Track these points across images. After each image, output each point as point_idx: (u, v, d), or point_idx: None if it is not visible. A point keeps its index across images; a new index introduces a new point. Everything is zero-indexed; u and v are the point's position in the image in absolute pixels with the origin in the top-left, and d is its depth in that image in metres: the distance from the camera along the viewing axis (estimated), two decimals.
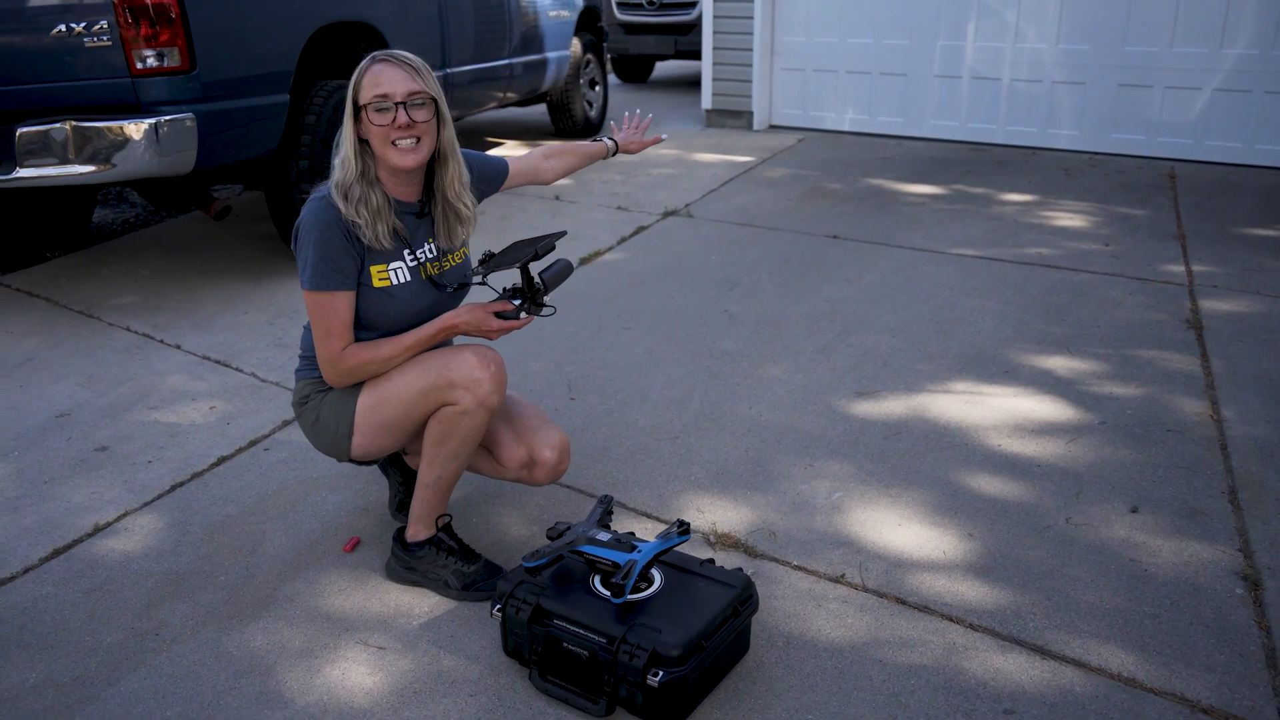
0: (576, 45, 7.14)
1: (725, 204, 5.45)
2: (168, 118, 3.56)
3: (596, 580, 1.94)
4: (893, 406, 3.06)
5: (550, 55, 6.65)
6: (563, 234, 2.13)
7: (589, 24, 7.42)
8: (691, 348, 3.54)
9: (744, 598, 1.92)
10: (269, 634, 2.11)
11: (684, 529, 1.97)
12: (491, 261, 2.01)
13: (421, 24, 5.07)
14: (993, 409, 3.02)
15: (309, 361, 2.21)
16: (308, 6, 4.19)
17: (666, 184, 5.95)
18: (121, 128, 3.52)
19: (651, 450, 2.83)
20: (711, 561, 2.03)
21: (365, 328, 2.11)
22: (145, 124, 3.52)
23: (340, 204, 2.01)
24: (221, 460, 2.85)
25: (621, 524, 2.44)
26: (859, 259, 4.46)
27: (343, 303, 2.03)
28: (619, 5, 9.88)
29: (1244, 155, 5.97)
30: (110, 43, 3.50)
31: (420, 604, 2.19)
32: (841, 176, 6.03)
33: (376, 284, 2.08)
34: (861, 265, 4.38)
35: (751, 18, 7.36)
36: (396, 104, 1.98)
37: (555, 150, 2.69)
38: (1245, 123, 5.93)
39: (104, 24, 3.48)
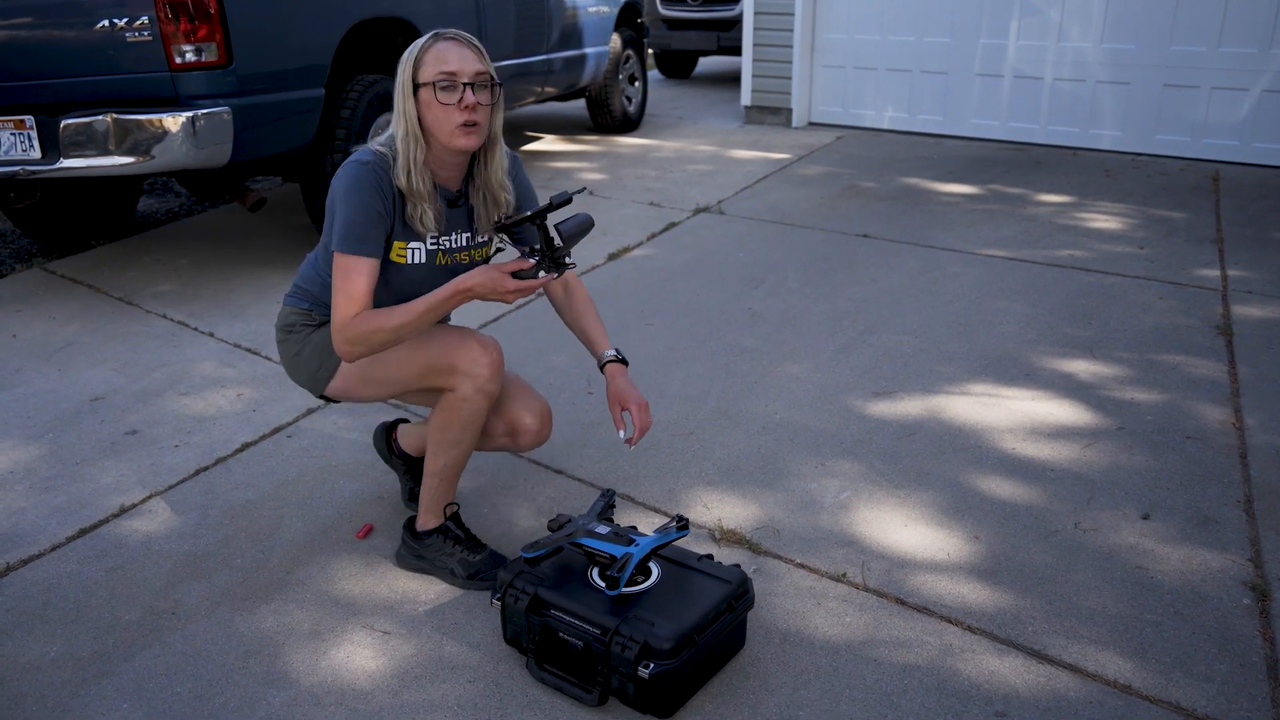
0: (616, 41, 7.16)
1: (758, 201, 5.45)
2: (205, 111, 3.65)
3: (594, 573, 1.98)
4: (909, 407, 3.06)
5: (589, 50, 6.68)
6: (582, 189, 2.10)
7: (629, 19, 7.44)
8: (712, 344, 3.56)
9: (739, 593, 1.94)
10: (279, 616, 2.17)
11: (683, 524, 2.00)
12: (507, 221, 2.02)
13: (459, 19, 5.12)
14: (1010, 412, 3.00)
15: (302, 293, 2.25)
16: (344, 2, 4.26)
17: (701, 180, 5.96)
18: (160, 120, 3.61)
19: (664, 446, 2.85)
20: (710, 557, 2.05)
21: (379, 297, 2.08)
22: (183, 117, 3.61)
23: (405, 178, 2.00)
24: (245, 446, 2.92)
25: (630, 518, 2.48)
26: (887, 258, 4.45)
27: (368, 269, 2.01)
28: (662, 1, 9.89)
29: None
30: (151, 38, 3.59)
31: (426, 591, 2.24)
32: (877, 175, 6.00)
33: (393, 257, 2.09)
34: (889, 265, 4.36)
35: (792, 14, 7.34)
36: (464, 84, 1.97)
37: (579, 303, 2.37)
38: None
39: (145, 19, 3.57)
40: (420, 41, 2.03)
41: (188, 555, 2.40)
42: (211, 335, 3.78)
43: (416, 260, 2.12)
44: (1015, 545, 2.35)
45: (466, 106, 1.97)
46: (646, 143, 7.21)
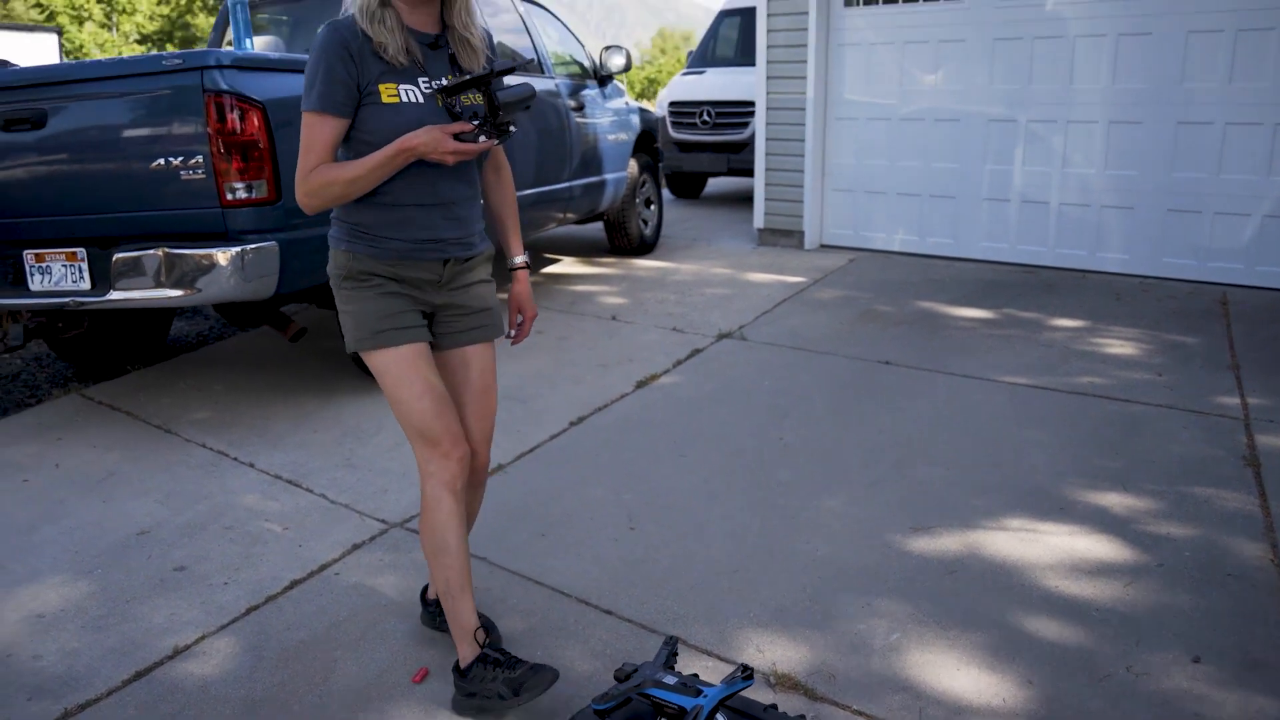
0: (633, 166, 7.40)
1: (778, 326, 5.57)
2: (253, 246, 3.78)
3: None
4: (948, 543, 3.09)
5: (609, 177, 6.90)
6: (528, 60, 2.21)
7: (645, 145, 7.70)
8: (748, 477, 3.61)
9: None
10: None
11: (748, 674, 2.02)
12: (451, 84, 2.13)
13: (488, 152, 5.31)
14: (1049, 548, 3.04)
15: (340, 226, 2.31)
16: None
17: (720, 304, 6.10)
18: (211, 255, 3.74)
19: (711, 585, 2.88)
20: (774, 707, 2.07)
21: (374, 144, 2.15)
22: (232, 251, 3.74)
23: (364, 22, 2.13)
24: (294, 584, 2.95)
25: (684, 662, 2.49)
26: (911, 386, 4.53)
27: (330, 126, 2.13)
28: (673, 124, 10.23)
29: None
30: (204, 175, 3.75)
31: None
32: (893, 299, 6.14)
33: (385, 100, 2.16)
34: (914, 393, 4.44)
35: (803, 140, 7.60)
36: None
37: (506, 192, 2.59)
38: None
39: (200, 158, 3.73)
40: None
41: (245, 701, 2.41)
42: (252, 466, 3.83)
43: (413, 99, 2.18)
44: (1069, 690, 2.37)
45: None
46: (664, 265, 7.38)
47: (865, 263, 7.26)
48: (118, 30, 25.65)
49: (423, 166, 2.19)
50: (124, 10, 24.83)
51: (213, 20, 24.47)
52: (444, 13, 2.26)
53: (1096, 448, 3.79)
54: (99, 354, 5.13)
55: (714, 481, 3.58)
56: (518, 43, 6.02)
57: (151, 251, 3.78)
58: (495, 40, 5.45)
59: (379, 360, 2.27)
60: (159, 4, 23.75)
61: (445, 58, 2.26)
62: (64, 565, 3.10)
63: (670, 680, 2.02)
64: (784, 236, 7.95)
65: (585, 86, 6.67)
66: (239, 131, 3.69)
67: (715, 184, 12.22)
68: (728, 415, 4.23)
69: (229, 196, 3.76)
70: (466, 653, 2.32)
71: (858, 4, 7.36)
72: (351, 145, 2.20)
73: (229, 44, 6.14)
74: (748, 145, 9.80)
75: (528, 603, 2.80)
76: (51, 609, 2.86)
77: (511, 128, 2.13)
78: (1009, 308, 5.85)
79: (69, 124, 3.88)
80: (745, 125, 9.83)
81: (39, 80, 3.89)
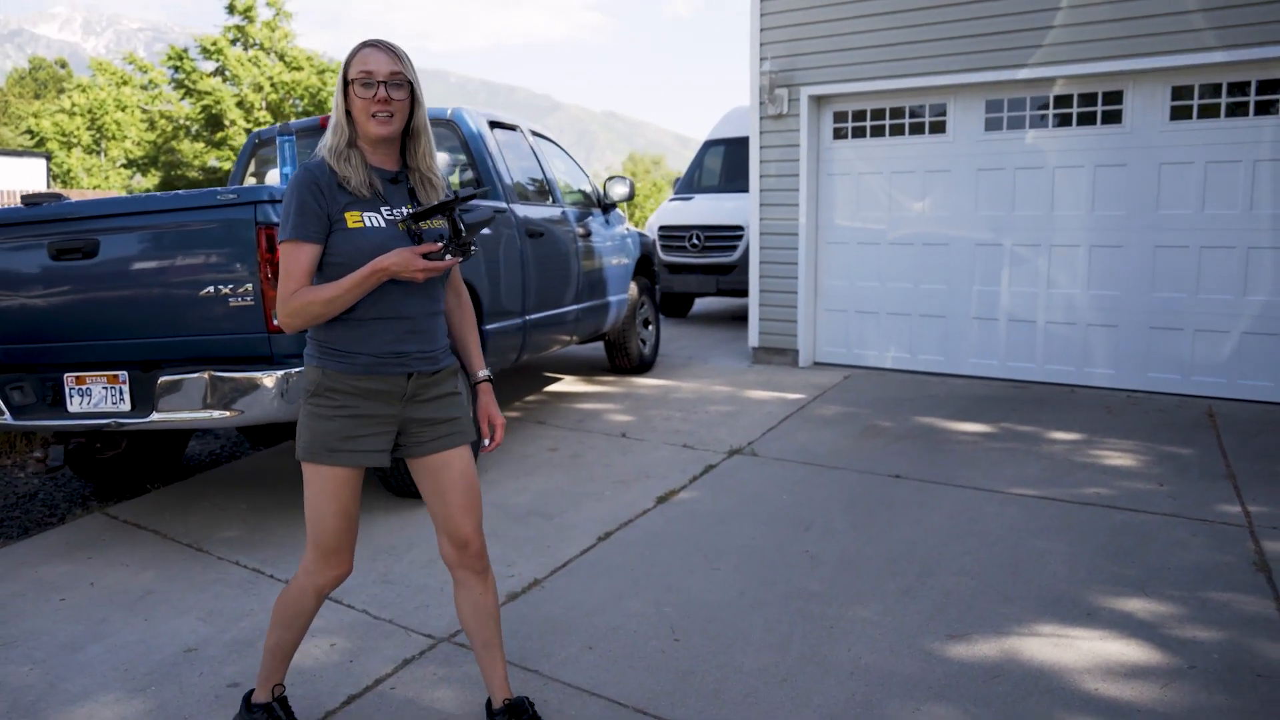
0: (633, 288, 7.65)
1: (785, 442, 5.73)
2: (297, 369, 3.91)
3: None
4: (985, 649, 3.19)
5: (612, 299, 7.14)
6: (485, 189, 2.39)
7: (644, 269, 7.98)
8: (780, 589, 3.71)
9: None
10: None
11: None
12: (419, 210, 2.37)
13: (509, 281, 5.53)
14: (1082, 652, 3.15)
15: (313, 345, 2.50)
16: None
17: (725, 421, 6.26)
18: (257, 378, 3.86)
19: (763, 694, 2.96)
20: None
21: (344, 265, 2.36)
22: (277, 374, 3.87)
23: (332, 161, 2.39)
24: (351, 699, 2.99)
25: None
26: (923, 499, 4.68)
27: (307, 253, 2.35)
28: (664, 247, 10.57)
29: (1277, 394, 6.27)
30: (253, 302, 3.90)
31: None
32: (892, 414, 6.33)
33: (350, 225, 2.38)
34: (927, 505, 4.58)
35: (796, 264, 7.92)
36: (379, 82, 2.37)
37: (465, 315, 2.77)
38: (1274, 364, 6.26)
39: (249, 286, 3.89)
40: (354, 48, 2.43)
41: None
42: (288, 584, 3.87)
43: (375, 224, 2.41)
44: None
45: (380, 100, 2.37)
46: (664, 383, 7.56)
47: (860, 380, 7.48)
48: (105, 155, 26.21)
49: (388, 286, 2.40)
50: (112, 136, 25.45)
51: (197, 146, 25.04)
52: (404, 154, 2.53)
53: (1112, 556, 3.93)
54: (118, 473, 5.18)
55: (749, 593, 3.68)
56: (531, 173, 6.31)
57: (197, 375, 3.90)
58: (507, 169, 5.72)
59: (317, 472, 2.48)
60: (146, 130, 24.36)
61: (405, 191, 2.52)
62: (115, 683, 3.12)
63: None
64: (778, 355, 8.18)
65: (591, 214, 6.96)
66: None
67: (701, 304, 12.54)
68: (751, 529, 4.34)
69: (275, 322, 3.90)
70: (262, 695, 2.70)
71: (846, 137, 7.78)
72: (323, 270, 2.41)
73: (252, 177, 6.40)
74: (736, 267, 10.16)
75: (586, 714, 2.86)
76: None
77: (473, 248, 2.40)
78: (1006, 422, 6.05)
79: (121, 253, 4.04)
80: (734, 248, 10.19)
81: (95, 213, 4.07)
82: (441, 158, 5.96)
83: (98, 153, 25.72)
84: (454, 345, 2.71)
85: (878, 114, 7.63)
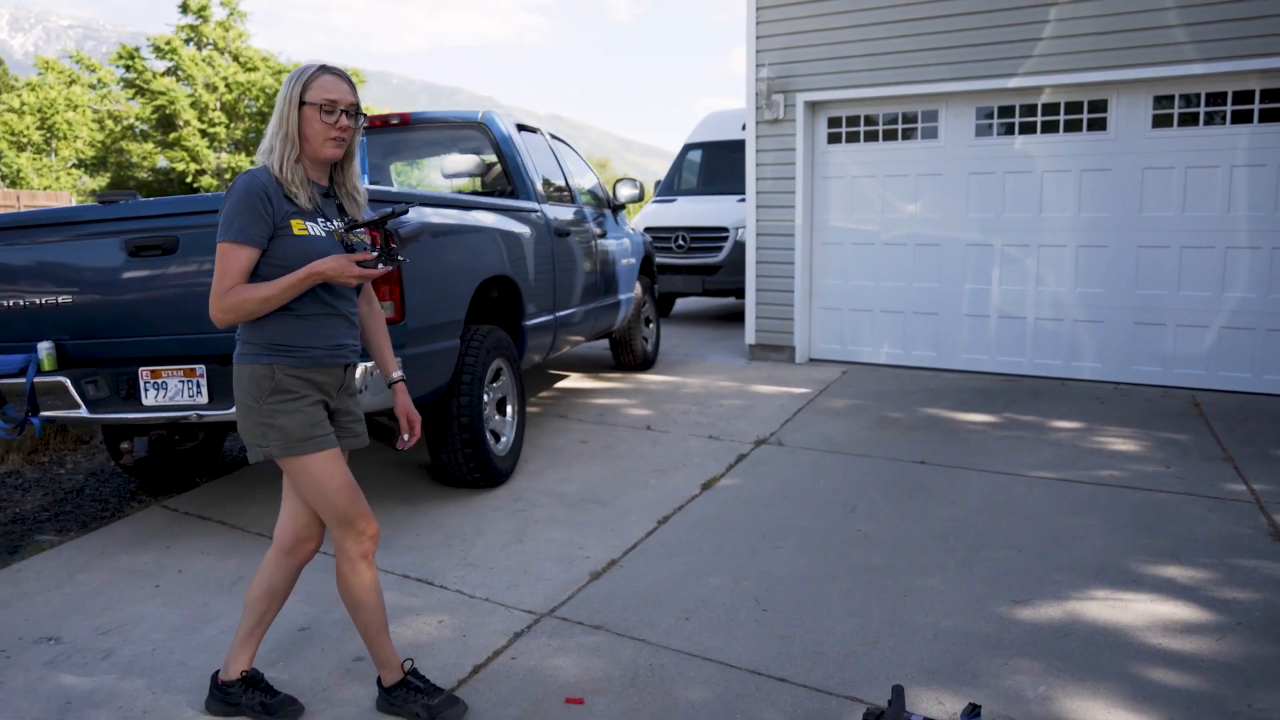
0: (638, 287, 7.88)
1: (806, 433, 6.00)
2: None
3: None
4: (1049, 612, 3.49)
5: (622, 297, 7.36)
6: (411, 204, 2.89)
7: (647, 268, 8.22)
8: (845, 564, 3.97)
9: None
10: None
11: (976, 710, 2.36)
12: (358, 222, 2.65)
13: (542, 279, 5.73)
14: (1138, 613, 3.46)
15: (252, 345, 2.64)
16: (476, 265, 4.82)
17: (741, 414, 6.51)
18: None
19: (860, 654, 3.21)
20: None
21: (286, 268, 2.55)
22: (362, 367, 4.02)
23: (279, 171, 2.56)
24: (477, 669, 3.18)
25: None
26: (953, 482, 4.98)
27: (245, 255, 2.52)
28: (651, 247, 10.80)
29: (1254, 385, 6.72)
30: None
31: None
32: (898, 406, 6.65)
33: (296, 232, 2.57)
34: (958, 488, 4.89)
35: (793, 263, 8.21)
36: (341, 110, 2.59)
37: (377, 322, 2.98)
38: (1252, 356, 6.71)
39: None
40: (309, 68, 2.62)
41: None
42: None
43: (316, 233, 2.61)
44: (1229, 716, 2.75)
45: (340, 127, 2.60)
46: (670, 379, 7.80)
47: (858, 374, 7.80)
48: (56, 155, 25.66)
49: (321, 286, 2.62)
50: (63, 136, 24.93)
51: (146, 146, 24.63)
52: (334, 173, 2.76)
53: (1140, 530, 4.26)
54: (162, 467, 5.27)
55: (817, 568, 3.93)
56: (553, 175, 6.51)
57: None
58: (536, 170, 5.90)
59: (305, 463, 2.64)
60: (97, 131, 23.92)
61: (334, 205, 2.75)
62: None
63: (917, 718, 2.34)
64: (774, 351, 8.47)
65: (604, 215, 7.17)
66: None
67: (682, 303, 12.79)
68: (799, 512, 4.60)
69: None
70: (390, 677, 2.88)
71: (841, 141, 8.10)
72: (260, 271, 2.58)
73: None
74: (722, 268, 10.44)
75: (704, 675, 3.09)
76: None
77: (401, 257, 2.64)
78: (1008, 412, 6.40)
79: (200, 249, 4.15)
80: (719, 249, 10.47)
81: (175, 210, 4.18)
82: (471, 159, 6.15)
83: (49, 153, 25.18)
84: (367, 348, 2.94)
85: (871, 119, 7.96)
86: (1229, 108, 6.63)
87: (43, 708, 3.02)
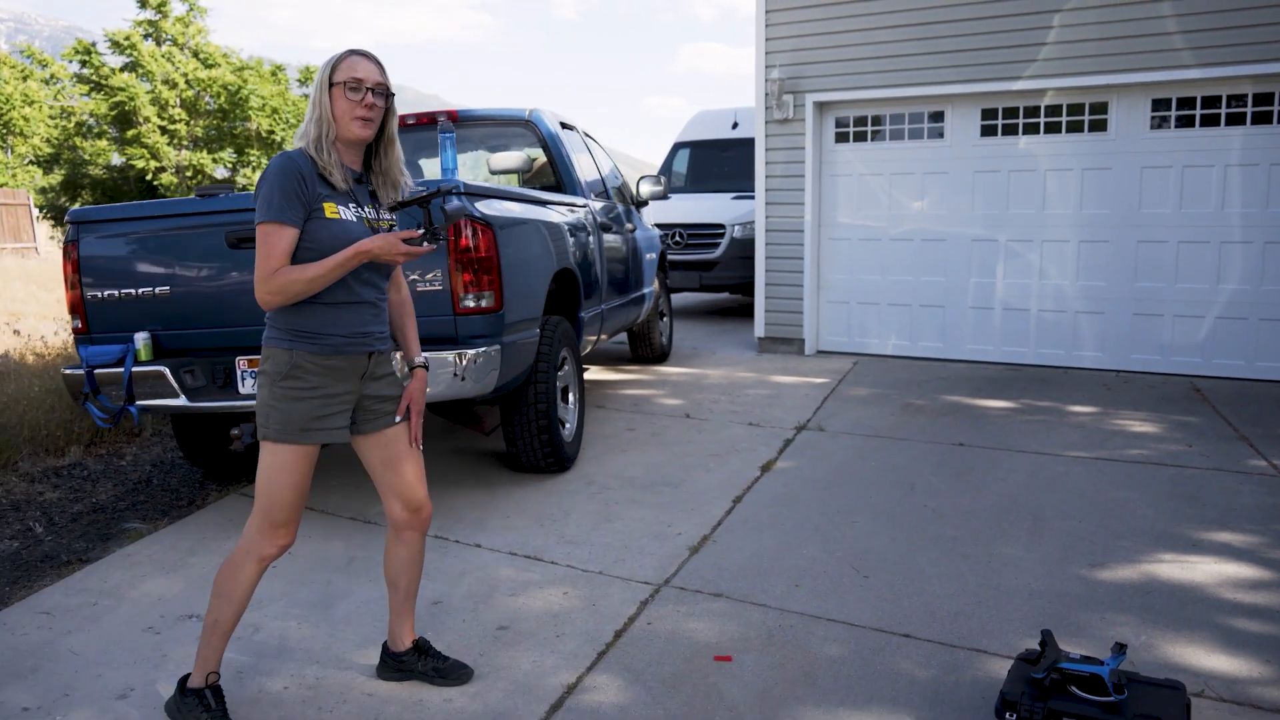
0: (656, 282, 8.11)
1: (842, 419, 6.29)
2: (483, 349, 4.25)
3: (1072, 687, 2.58)
4: (1126, 573, 3.80)
5: (647, 291, 7.58)
6: (459, 185, 3.06)
7: (662, 263, 8.44)
8: (924, 536, 4.25)
9: (1187, 700, 2.57)
10: None
11: (1122, 649, 2.64)
12: (402, 200, 2.75)
13: (592, 271, 5.93)
14: (1207, 573, 3.78)
15: (280, 330, 2.70)
16: (552, 259, 5.03)
17: (771, 403, 6.78)
18: (451, 356, 4.18)
19: (968, 613, 3.48)
20: (1139, 674, 2.68)
21: (317, 252, 2.60)
22: (469, 353, 4.20)
23: (314, 153, 2.62)
24: (618, 634, 3.39)
25: (985, 663, 3.07)
26: (995, 462, 5.30)
27: (288, 235, 2.57)
28: None
29: (1248, 371, 7.16)
30: (441, 287, 4.22)
31: None
32: (918, 394, 6.97)
33: (328, 215, 2.62)
34: (1002, 467, 5.20)
35: (802, 258, 8.51)
36: (367, 88, 2.63)
37: (406, 306, 3.04)
38: (1245, 344, 7.15)
39: (438, 272, 4.21)
40: (339, 53, 2.70)
41: (669, 717, 2.84)
42: (479, 547, 4.22)
43: (348, 218, 2.67)
44: None
45: (366, 104, 2.63)
46: (689, 371, 8.05)
47: (868, 365, 8.12)
48: (13, 153, 25.05)
49: (355, 272, 2.67)
50: (20, 132, 24.34)
51: (99, 144, 24.20)
52: (370, 159, 2.80)
53: (1183, 502, 4.60)
54: (223, 456, 5.37)
55: (899, 540, 4.20)
56: (592, 171, 6.71)
57: (396, 354, 4.18)
58: (579, 166, 6.09)
59: (283, 450, 2.69)
60: (52, 128, 23.42)
61: (366, 191, 2.79)
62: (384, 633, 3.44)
63: (1076, 656, 2.61)
64: (784, 344, 8.76)
65: (632, 210, 7.39)
66: (475, 249, 4.21)
67: (677, 299, 13.04)
68: (861, 491, 4.87)
69: (462, 305, 4.24)
70: (197, 680, 2.82)
71: (849, 140, 8.41)
72: (296, 253, 2.61)
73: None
74: (718, 264, 10.72)
75: (833, 634, 3.34)
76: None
77: (441, 238, 2.69)
78: (1024, 398, 6.76)
79: None
80: (716, 245, 10.74)
81: None
82: (517, 155, 6.33)
83: (4, 149, 24.56)
84: (394, 332, 3.01)
85: (878, 120, 8.29)
86: (1223, 110, 7.06)
87: None
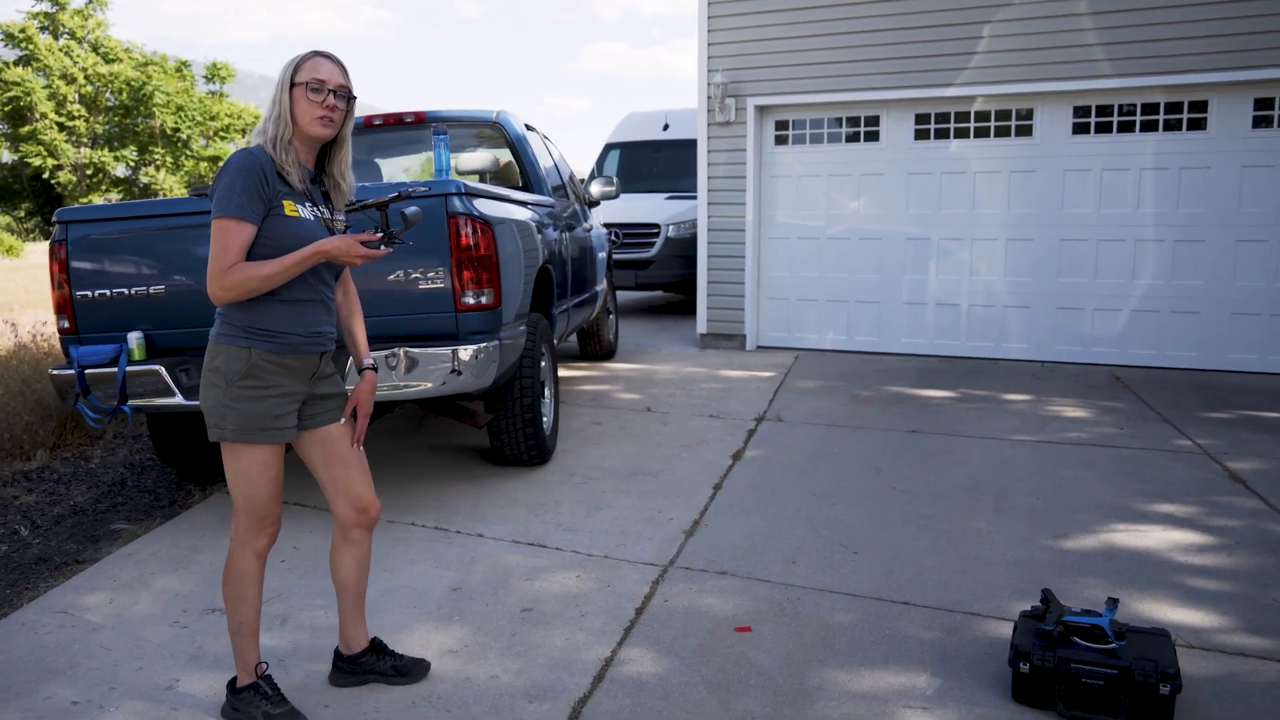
0: (605, 280, 8.31)
1: (797, 410, 6.59)
2: (482, 345, 4.40)
3: (1075, 638, 2.89)
4: (1088, 542, 4.16)
5: (599, 289, 7.78)
6: (425, 188, 3.27)
7: (609, 261, 8.64)
8: (899, 515, 4.55)
9: (1173, 644, 2.90)
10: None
11: (1115, 602, 2.96)
12: (358, 204, 2.83)
13: (561, 268, 6.11)
14: (1159, 539, 4.17)
15: (234, 327, 2.69)
16: (536, 256, 5.20)
17: (726, 395, 7.05)
18: (448, 353, 4.32)
19: (956, 582, 3.79)
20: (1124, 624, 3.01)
21: (274, 249, 2.60)
22: (470, 349, 4.35)
23: (272, 151, 2.63)
24: (639, 611, 3.59)
25: (981, 624, 3.37)
26: (950, 447, 5.66)
27: (246, 232, 2.56)
28: None
29: (1159, 360, 7.73)
30: (443, 284, 4.36)
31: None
32: (863, 385, 7.33)
33: (288, 213, 2.63)
34: (957, 451, 5.56)
35: (743, 257, 8.81)
36: (329, 90, 2.65)
37: (354, 307, 3.04)
38: (1158, 335, 7.72)
39: (440, 270, 4.35)
40: (302, 54, 2.71)
41: (710, 684, 3.06)
42: (481, 536, 4.37)
43: (306, 217, 2.69)
44: (1253, 614, 3.44)
45: (327, 105, 2.66)
46: (638, 367, 8.27)
47: (809, 359, 8.47)
48: None
49: (313, 270, 2.70)
50: None
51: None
52: (323, 161, 2.82)
53: (1125, 478, 5.02)
54: (198, 457, 5.38)
55: (877, 519, 4.50)
56: (553, 172, 6.88)
57: (392, 350, 4.31)
58: (543, 167, 6.26)
59: (249, 450, 2.69)
60: None
61: (319, 192, 2.82)
62: (420, 616, 3.57)
63: (1077, 609, 2.92)
64: (725, 340, 9.06)
65: (585, 210, 7.58)
66: (475, 247, 4.36)
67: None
68: (832, 475, 5.17)
69: (463, 302, 4.38)
70: (245, 678, 2.88)
71: (788, 143, 8.75)
72: (253, 249, 2.61)
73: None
74: (654, 262, 10.96)
75: (839, 604, 3.60)
76: (454, 645, 3.35)
77: (399, 240, 2.72)
78: (962, 388, 7.17)
79: None
80: (651, 244, 10.97)
81: None
82: (485, 155, 6.47)
83: None
84: (343, 335, 3.00)
85: (817, 123, 8.64)
86: (1138, 117, 7.60)
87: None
